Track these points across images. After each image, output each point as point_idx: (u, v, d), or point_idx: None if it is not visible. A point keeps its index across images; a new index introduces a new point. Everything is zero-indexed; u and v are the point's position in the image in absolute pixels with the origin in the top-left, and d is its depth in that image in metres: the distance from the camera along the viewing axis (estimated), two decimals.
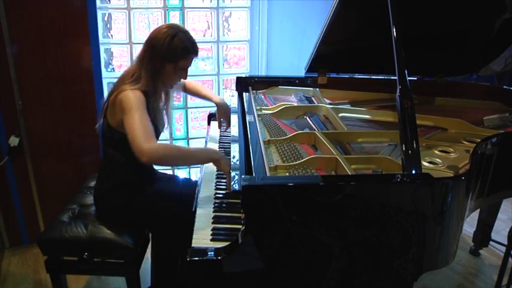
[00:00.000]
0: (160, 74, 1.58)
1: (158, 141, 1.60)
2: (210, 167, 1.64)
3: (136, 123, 1.45)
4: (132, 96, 1.50)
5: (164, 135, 2.93)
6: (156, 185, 1.78)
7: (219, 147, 1.96)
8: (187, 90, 2.05)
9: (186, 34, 1.58)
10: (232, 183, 1.42)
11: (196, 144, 3.07)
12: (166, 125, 1.80)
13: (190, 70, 2.84)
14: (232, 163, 1.54)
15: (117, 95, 1.52)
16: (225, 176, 1.56)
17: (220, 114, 2.00)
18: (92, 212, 1.74)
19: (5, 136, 2.17)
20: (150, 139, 1.44)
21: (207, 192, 1.56)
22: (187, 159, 1.66)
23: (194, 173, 3.05)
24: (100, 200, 1.72)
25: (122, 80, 1.59)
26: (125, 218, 1.67)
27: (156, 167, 1.91)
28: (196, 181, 1.69)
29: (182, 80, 1.83)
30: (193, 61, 1.66)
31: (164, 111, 1.76)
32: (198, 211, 1.44)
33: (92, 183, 1.88)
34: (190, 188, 1.74)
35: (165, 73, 1.59)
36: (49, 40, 2.10)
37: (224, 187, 1.59)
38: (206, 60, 2.96)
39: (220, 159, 1.53)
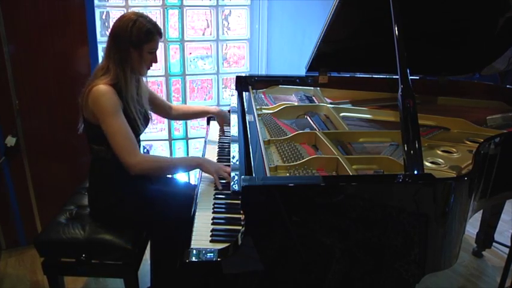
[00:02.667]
0: (128, 62, 1.58)
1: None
2: None
3: (117, 134, 1.52)
4: (105, 95, 1.51)
5: (163, 135, 2.93)
6: (154, 186, 1.76)
7: (219, 147, 1.95)
8: (177, 116, 2.08)
9: (146, 18, 1.59)
10: (232, 183, 1.41)
11: (196, 144, 3.06)
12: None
13: (190, 70, 2.88)
14: (232, 163, 1.54)
15: (90, 91, 1.54)
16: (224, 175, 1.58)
17: (222, 121, 2.09)
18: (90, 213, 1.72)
19: (1, 136, 2.15)
20: (134, 152, 1.54)
21: (206, 193, 1.55)
22: (173, 168, 1.68)
23: (193, 175, 3.03)
24: (94, 202, 1.70)
25: (94, 76, 1.60)
26: (121, 219, 1.65)
27: None
28: (195, 185, 1.68)
29: (170, 105, 1.97)
30: (159, 43, 1.66)
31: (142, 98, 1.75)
32: (198, 212, 1.42)
33: None
34: (189, 190, 1.73)
35: (132, 60, 1.58)
36: (46, 39, 2.09)
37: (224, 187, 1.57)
38: (205, 59, 2.95)
39: (203, 162, 1.62)
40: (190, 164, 1.68)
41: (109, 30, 1.62)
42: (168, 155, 3.01)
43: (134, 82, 1.65)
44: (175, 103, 2.91)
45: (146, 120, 1.77)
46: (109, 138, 1.54)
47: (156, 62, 1.66)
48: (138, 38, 1.55)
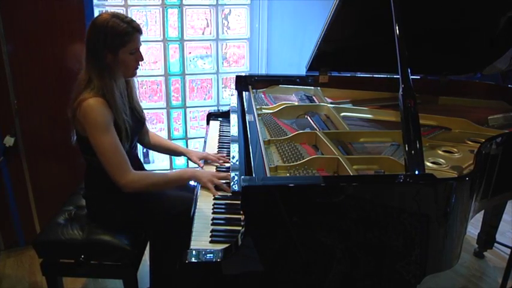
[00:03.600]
0: (110, 70, 1.48)
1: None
2: None
3: (107, 152, 1.45)
4: (96, 110, 1.43)
5: (162, 135, 2.92)
6: None
7: (219, 148, 1.94)
8: (152, 144, 1.90)
9: (119, 17, 1.46)
10: (232, 183, 1.42)
11: (195, 144, 3.06)
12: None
13: (190, 69, 2.87)
14: (232, 163, 1.52)
15: (79, 105, 1.45)
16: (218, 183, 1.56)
17: (195, 159, 1.85)
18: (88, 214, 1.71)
19: (0, 136, 2.14)
20: (125, 171, 1.48)
21: (206, 193, 1.54)
22: (166, 183, 1.61)
23: None
24: (91, 207, 1.68)
25: (78, 87, 1.50)
26: (119, 221, 1.63)
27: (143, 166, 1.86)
28: (195, 185, 1.67)
29: (148, 130, 1.84)
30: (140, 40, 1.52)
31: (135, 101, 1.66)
32: (197, 212, 1.42)
33: None
34: (189, 191, 1.72)
35: (113, 67, 1.48)
36: (45, 38, 2.08)
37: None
38: (205, 59, 2.94)
39: (194, 173, 1.58)
40: (182, 177, 1.61)
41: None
42: (167, 155, 3.00)
43: (120, 89, 1.53)
44: (175, 103, 2.91)
45: (140, 123, 1.70)
46: (98, 155, 1.47)
47: (142, 59, 1.55)
48: (113, 43, 1.44)
